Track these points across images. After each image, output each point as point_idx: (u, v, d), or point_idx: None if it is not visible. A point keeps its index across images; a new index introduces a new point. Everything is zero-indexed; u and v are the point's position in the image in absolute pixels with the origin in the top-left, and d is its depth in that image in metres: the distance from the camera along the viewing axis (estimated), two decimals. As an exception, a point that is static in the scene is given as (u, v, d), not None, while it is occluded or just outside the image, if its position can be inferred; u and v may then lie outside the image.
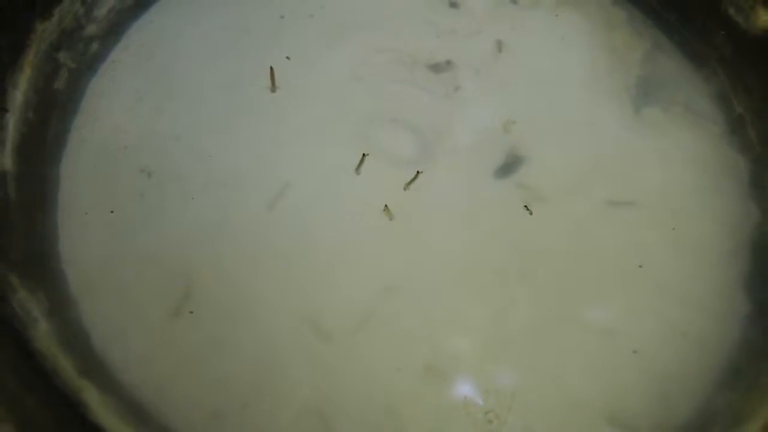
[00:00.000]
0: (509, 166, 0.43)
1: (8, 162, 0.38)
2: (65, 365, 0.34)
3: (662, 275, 0.41)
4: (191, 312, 0.38)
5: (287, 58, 0.44)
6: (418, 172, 0.41)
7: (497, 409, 0.36)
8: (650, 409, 0.38)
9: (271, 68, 0.43)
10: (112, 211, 0.40)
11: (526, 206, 0.41)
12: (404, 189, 0.41)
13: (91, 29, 0.44)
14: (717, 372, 0.39)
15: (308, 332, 0.38)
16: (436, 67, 0.45)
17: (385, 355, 0.38)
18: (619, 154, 0.43)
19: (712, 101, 0.45)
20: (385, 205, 0.41)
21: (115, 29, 0.45)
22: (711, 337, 0.39)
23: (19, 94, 0.40)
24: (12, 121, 0.39)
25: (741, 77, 0.45)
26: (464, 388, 0.38)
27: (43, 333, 0.35)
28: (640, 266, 0.40)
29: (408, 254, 0.40)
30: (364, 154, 0.41)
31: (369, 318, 0.39)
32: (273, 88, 0.43)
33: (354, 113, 0.43)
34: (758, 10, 0.43)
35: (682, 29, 0.47)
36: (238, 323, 0.38)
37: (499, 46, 0.46)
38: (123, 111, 0.43)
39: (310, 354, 0.38)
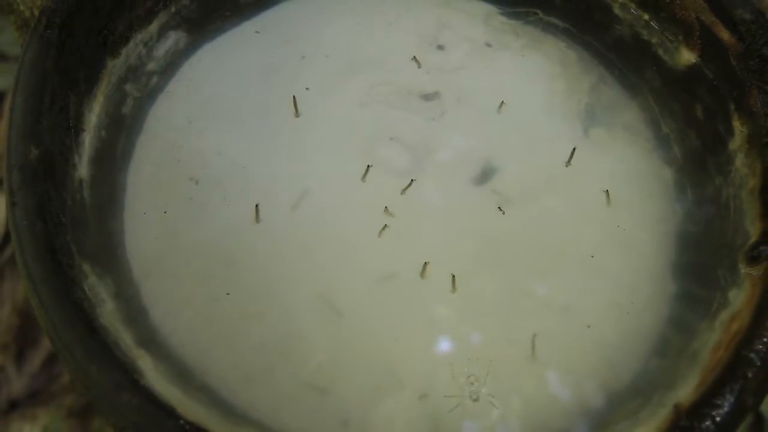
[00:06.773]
0: (484, 175, 0.42)
1: (85, 171, 0.38)
2: (125, 337, 0.32)
3: (609, 264, 0.39)
4: (228, 294, 0.36)
5: (307, 89, 0.43)
6: (412, 180, 0.41)
7: (477, 373, 0.33)
8: (599, 373, 0.36)
9: (294, 97, 0.42)
10: (165, 212, 0.39)
11: (499, 207, 0.38)
12: (401, 194, 0.41)
13: (151, 66, 0.43)
14: (651, 343, 0.38)
15: (324, 309, 0.37)
16: (426, 96, 0.44)
17: (385, 327, 0.37)
18: (572, 165, 0.43)
19: (645, 123, 0.45)
20: (386, 207, 0.40)
21: (171, 66, 0.44)
22: (646, 314, 0.38)
23: (93, 117, 0.39)
24: (88, 138, 0.38)
25: (667, 104, 0.45)
26: (449, 354, 0.36)
27: (108, 311, 0.33)
28: (592, 256, 0.40)
29: (404, 246, 0.39)
30: (368, 166, 0.41)
31: (372, 297, 0.37)
32: (296, 113, 0.43)
33: (360, 133, 0.43)
34: (681, 51, 0.44)
35: (621, 66, 0.47)
36: (266, 302, 0.37)
37: (477, 79, 0.45)
38: (176, 131, 0.42)
39: (325, 327, 0.37)
